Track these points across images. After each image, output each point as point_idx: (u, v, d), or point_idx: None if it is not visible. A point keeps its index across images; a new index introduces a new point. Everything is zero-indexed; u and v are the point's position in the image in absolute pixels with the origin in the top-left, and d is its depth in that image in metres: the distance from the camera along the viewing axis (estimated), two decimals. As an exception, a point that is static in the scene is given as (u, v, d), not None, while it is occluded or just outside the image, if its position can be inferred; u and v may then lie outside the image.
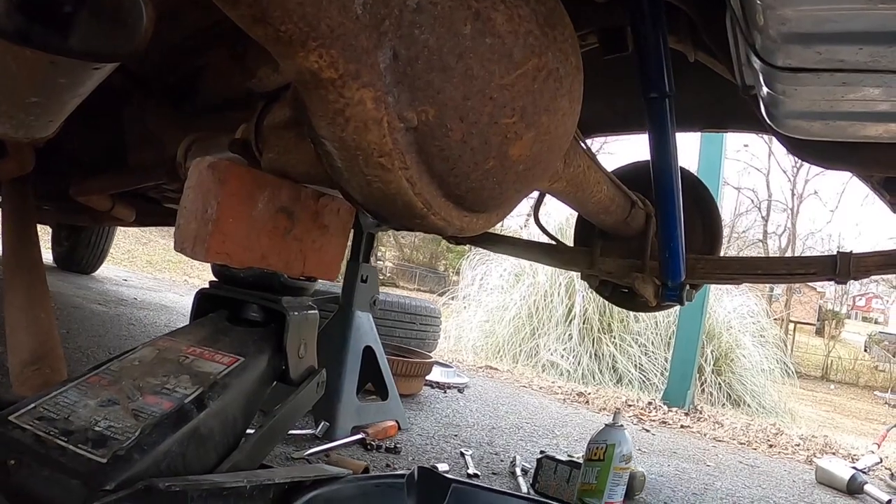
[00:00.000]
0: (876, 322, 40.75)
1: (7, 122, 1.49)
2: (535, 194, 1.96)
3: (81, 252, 5.15)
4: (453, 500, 1.28)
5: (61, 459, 0.82)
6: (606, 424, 1.72)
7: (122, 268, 8.02)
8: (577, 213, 2.22)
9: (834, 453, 3.52)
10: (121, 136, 2.04)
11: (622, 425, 1.71)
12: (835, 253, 1.76)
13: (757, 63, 0.96)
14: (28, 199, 2.07)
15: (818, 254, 1.93)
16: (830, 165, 1.49)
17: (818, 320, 35.00)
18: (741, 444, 3.59)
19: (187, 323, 1.24)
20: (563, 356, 7.21)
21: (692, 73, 1.62)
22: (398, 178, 0.84)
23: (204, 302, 1.24)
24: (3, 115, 1.46)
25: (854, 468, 2.82)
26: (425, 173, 0.87)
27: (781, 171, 33.52)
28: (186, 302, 5.22)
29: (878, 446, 3.37)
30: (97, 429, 0.87)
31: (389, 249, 30.41)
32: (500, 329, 7.92)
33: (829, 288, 35.85)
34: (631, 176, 1.95)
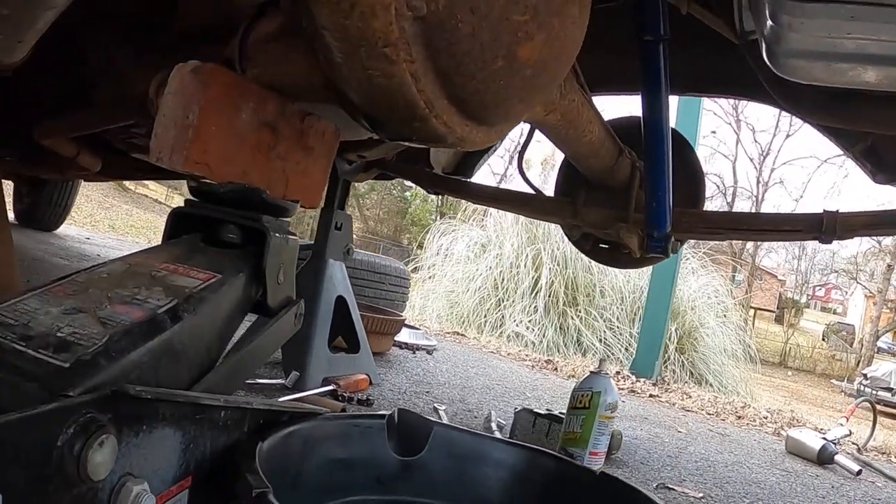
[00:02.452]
0: (835, 312, 41.51)
1: (-29, 43, 1.39)
2: (521, 138, 1.91)
3: (43, 208, 5.03)
4: (435, 443, 1.23)
5: (17, 363, 0.74)
6: (592, 371, 1.67)
7: (83, 229, 7.83)
8: (558, 165, 2.18)
9: (803, 426, 3.54)
10: (87, 74, 1.94)
11: (607, 373, 1.66)
12: (821, 212, 1.73)
13: (765, -8, 0.91)
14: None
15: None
16: (822, 118, 1.45)
17: (778, 308, 35.57)
18: (710, 414, 3.59)
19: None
20: (528, 328, 7.20)
21: (673, 33, 1.57)
22: (402, 72, 0.77)
23: (178, 222, 1.15)
24: (-34, 33, 1.37)
25: (824, 439, 2.82)
26: (430, 70, 0.80)
27: (748, 158, 33.89)
28: (149, 260, 5.09)
29: (847, 420, 3.39)
30: (60, 335, 0.79)
31: (354, 221, 30.27)
32: (465, 299, 7.88)
33: (790, 276, 36.49)
34: (617, 129, 1.91)
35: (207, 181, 1.10)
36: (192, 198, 1.16)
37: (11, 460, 0.60)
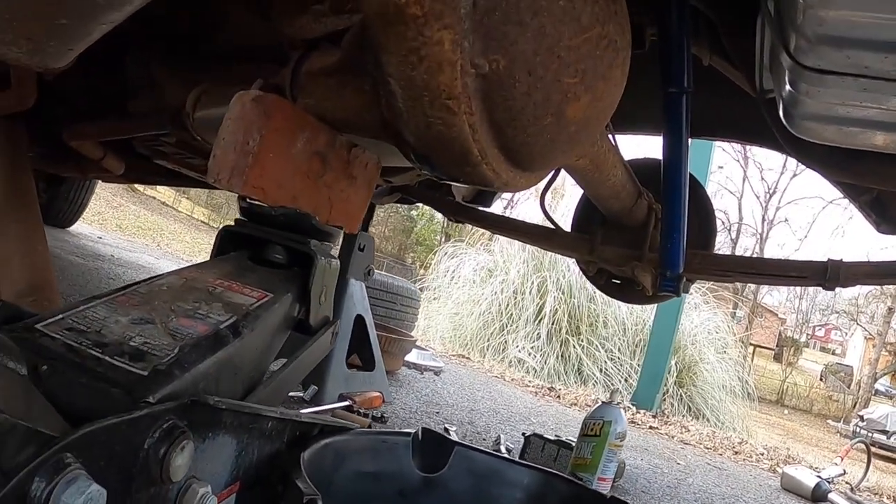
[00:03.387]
0: (834, 353, 41.24)
1: (25, 45, 1.44)
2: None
3: (60, 205, 5.01)
4: (456, 462, 1.29)
5: (98, 369, 0.81)
6: (603, 402, 1.74)
7: (93, 228, 7.90)
8: (576, 202, 2.25)
9: (798, 463, 3.60)
10: (123, 82, 1.99)
11: (619, 403, 1.73)
12: (826, 260, 1.80)
13: (786, 62, 0.99)
14: (22, 138, 2.01)
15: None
16: (830, 172, 1.53)
17: (777, 346, 35.48)
18: (707, 448, 3.65)
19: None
20: (530, 354, 7.26)
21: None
22: (461, 123, 0.85)
23: (227, 239, 1.23)
24: (22, 36, 1.42)
25: (819, 477, 2.89)
26: (486, 121, 0.88)
27: (754, 195, 34.00)
28: (161, 265, 5.17)
29: (842, 459, 3.45)
30: (133, 343, 0.86)
31: (359, 236, 30.19)
32: (469, 322, 7.95)
33: (790, 315, 36.40)
34: (636, 169, 1.98)
35: (258, 203, 1.17)
36: (240, 217, 1.24)
37: (107, 460, 0.66)
